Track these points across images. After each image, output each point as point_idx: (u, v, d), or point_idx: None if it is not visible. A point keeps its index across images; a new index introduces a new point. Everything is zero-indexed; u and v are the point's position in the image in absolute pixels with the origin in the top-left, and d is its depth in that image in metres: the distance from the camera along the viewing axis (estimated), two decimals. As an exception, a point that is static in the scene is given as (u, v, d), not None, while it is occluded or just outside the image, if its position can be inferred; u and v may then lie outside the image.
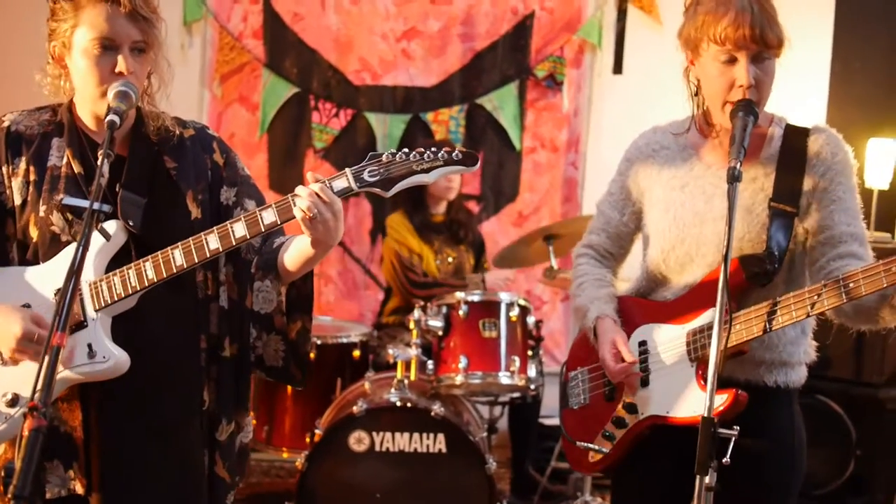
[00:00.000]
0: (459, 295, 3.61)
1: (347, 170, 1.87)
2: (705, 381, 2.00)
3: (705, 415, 1.76)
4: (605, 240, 2.34)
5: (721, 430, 1.76)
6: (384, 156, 1.86)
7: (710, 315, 1.97)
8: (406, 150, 1.87)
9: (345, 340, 4.00)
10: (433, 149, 1.87)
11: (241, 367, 2.13)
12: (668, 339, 2.12)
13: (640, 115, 5.11)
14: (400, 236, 4.33)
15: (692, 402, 2.04)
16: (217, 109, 5.22)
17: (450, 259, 4.38)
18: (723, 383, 2.01)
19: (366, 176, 1.86)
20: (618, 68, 5.23)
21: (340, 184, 1.86)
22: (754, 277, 2.03)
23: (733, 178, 1.86)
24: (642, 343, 2.17)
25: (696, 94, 2.13)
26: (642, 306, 2.23)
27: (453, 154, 1.86)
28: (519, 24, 5.21)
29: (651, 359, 2.14)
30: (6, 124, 2.03)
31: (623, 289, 2.33)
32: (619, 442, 2.18)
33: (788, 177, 2.06)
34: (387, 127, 5.20)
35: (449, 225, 4.41)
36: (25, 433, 1.32)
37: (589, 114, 5.24)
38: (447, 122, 5.20)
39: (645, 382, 2.14)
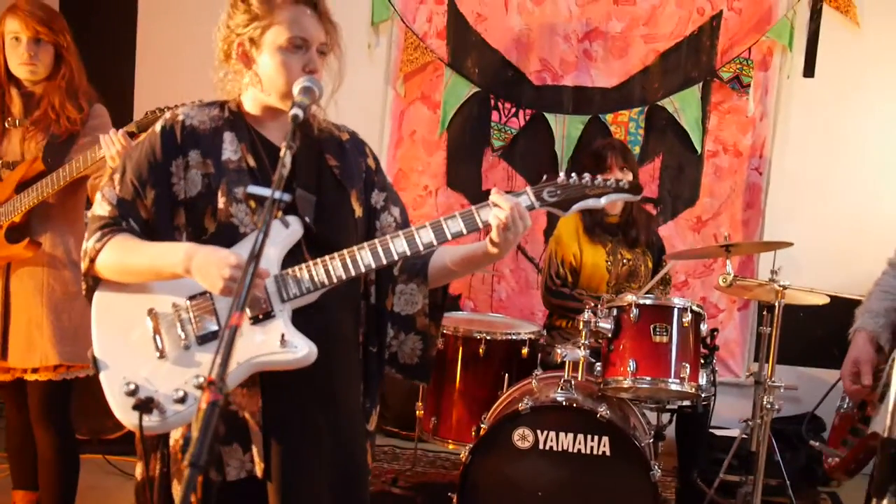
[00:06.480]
0: (630, 298, 3.57)
1: (528, 188, 1.99)
2: None
3: (884, 435, 1.68)
4: None
5: (903, 452, 1.68)
6: (560, 178, 2.00)
7: None
8: (574, 174, 2.02)
9: (514, 337, 4.02)
10: (600, 177, 2.04)
11: (380, 364, 2.21)
12: None
13: (831, 120, 4.96)
14: (561, 239, 4.32)
15: None
16: (400, 107, 5.38)
17: (624, 261, 4.33)
18: None
19: (545, 195, 2.00)
20: (809, 71, 5.02)
21: (522, 201, 1.97)
22: None
23: None
24: None
25: None
26: None
27: (620, 183, 2.03)
28: (705, 24, 5.10)
29: None
30: (181, 118, 2.09)
31: None
32: (852, 450, 2.16)
33: None
34: (565, 127, 5.19)
35: (624, 226, 4.35)
36: (203, 406, 1.36)
37: (775, 118, 5.06)
38: (626, 123, 5.15)
39: (883, 398, 2.07)
